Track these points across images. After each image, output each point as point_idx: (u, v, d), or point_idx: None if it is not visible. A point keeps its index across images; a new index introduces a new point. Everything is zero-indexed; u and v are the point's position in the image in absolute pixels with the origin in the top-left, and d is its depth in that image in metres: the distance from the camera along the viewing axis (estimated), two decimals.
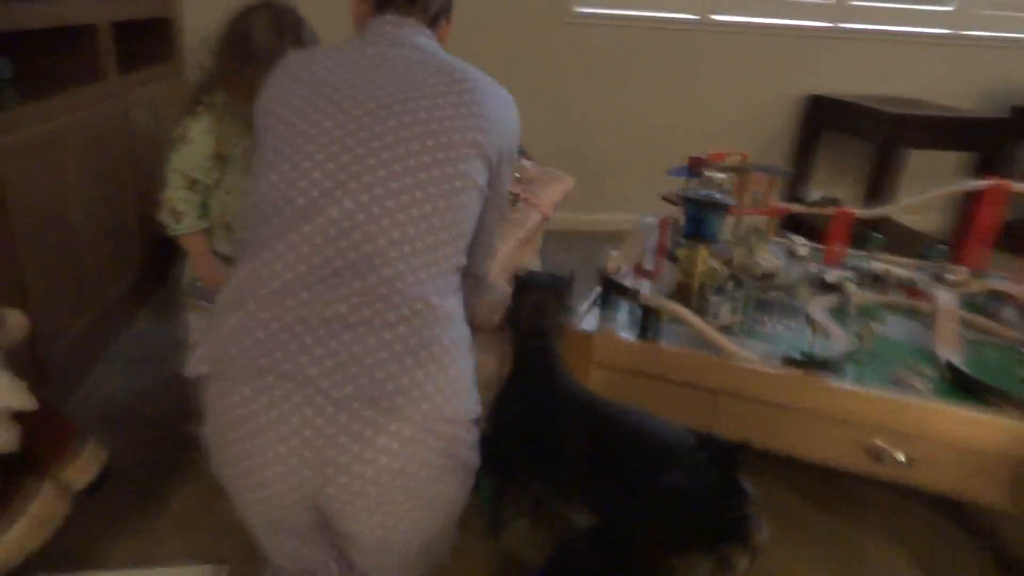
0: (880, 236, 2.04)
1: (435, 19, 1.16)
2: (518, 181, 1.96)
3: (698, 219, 1.60)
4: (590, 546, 1.07)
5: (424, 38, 1.12)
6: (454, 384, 0.97)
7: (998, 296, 1.67)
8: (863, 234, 2.04)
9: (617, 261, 1.64)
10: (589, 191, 3.26)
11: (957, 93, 3.59)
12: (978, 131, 3.05)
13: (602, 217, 3.42)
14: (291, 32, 1.49)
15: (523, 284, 1.30)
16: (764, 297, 1.75)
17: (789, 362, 1.38)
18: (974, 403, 1.31)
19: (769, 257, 1.92)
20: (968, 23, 3.55)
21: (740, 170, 2.00)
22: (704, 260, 1.62)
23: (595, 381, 1.50)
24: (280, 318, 0.95)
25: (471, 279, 1.27)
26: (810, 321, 1.53)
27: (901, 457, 1.33)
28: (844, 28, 3.43)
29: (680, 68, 3.33)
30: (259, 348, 0.94)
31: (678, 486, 1.00)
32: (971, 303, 1.71)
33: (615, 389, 1.50)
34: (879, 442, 1.34)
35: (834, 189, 3.63)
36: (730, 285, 1.56)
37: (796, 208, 1.97)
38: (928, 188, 2.04)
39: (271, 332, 0.95)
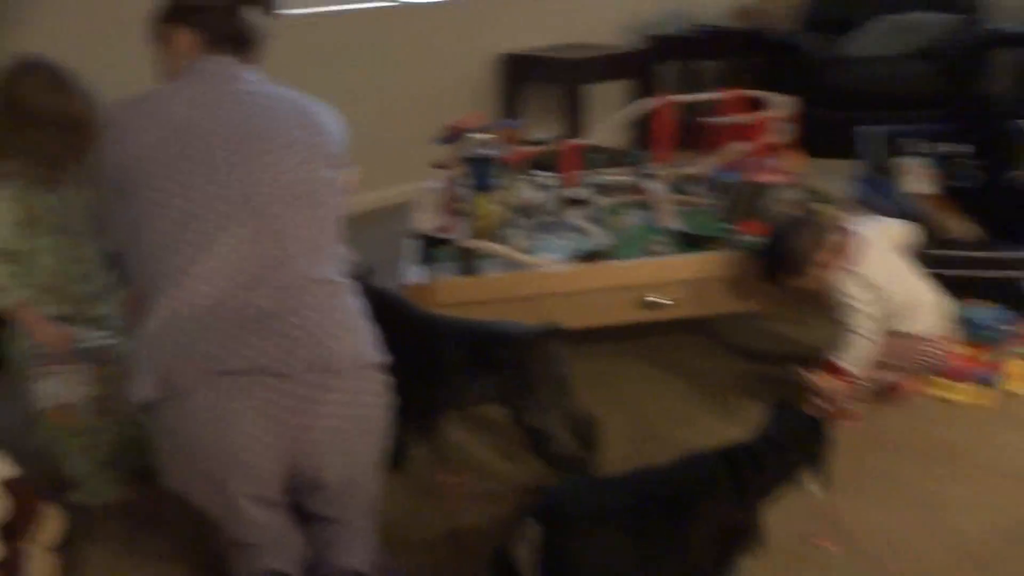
0: (600, 155, 2.62)
1: (257, 58, 1.35)
2: None
3: (482, 174, 1.98)
4: None
5: (250, 72, 1.32)
6: (366, 339, 1.25)
7: (688, 178, 2.31)
8: (587, 158, 2.61)
9: (430, 221, 1.96)
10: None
11: (605, 33, 4.41)
12: (631, 60, 3.85)
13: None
14: (72, 87, 1.53)
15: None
16: (535, 221, 2.21)
17: (576, 258, 1.84)
18: (699, 251, 1.90)
19: (525, 191, 2.38)
20: None
21: (488, 129, 2.43)
22: (488, 205, 2.02)
23: None
24: (219, 328, 1.14)
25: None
26: (578, 228, 2.02)
27: (669, 301, 1.87)
28: None
29: (390, 49, 3.66)
30: (207, 358, 1.12)
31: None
32: (675, 187, 2.35)
33: None
34: (652, 296, 1.87)
35: (542, 127, 4.28)
36: (514, 218, 1.98)
37: (538, 149, 2.45)
38: (610, 113, 2.67)
39: (214, 342, 1.13)
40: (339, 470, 1.23)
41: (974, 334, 1.93)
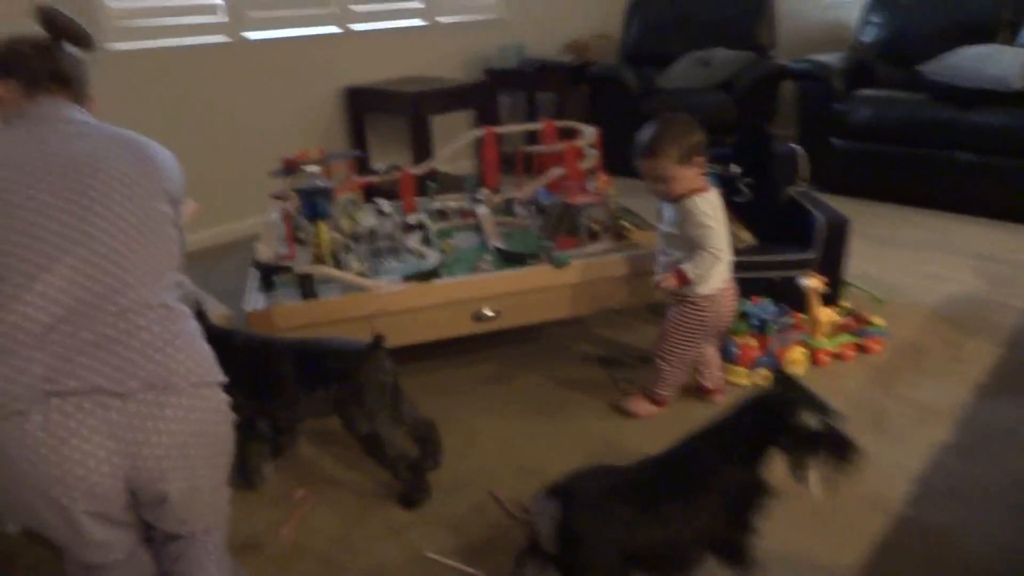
0: (433, 184, 2.80)
1: (82, 95, 1.41)
2: None
3: (312, 204, 2.10)
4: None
5: (83, 114, 1.37)
6: (204, 360, 1.34)
7: (513, 201, 2.55)
8: (423, 185, 2.79)
9: (269, 251, 2.05)
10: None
11: (448, 67, 4.66)
12: (470, 93, 4.09)
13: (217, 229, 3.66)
14: None
15: None
16: (375, 246, 2.35)
17: (407, 278, 2.00)
18: (518, 266, 2.12)
19: (368, 218, 2.52)
20: (440, 12, 4.60)
21: (323, 161, 2.55)
22: (326, 233, 2.14)
23: None
24: (52, 351, 1.18)
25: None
26: (410, 251, 2.18)
27: (490, 313, 2.07)
28: (353, 30, 4.16)
29: (231, 83, 3.68)
30: (40, 379, 1.16)
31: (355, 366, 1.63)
32: (501, 210, 2.57)
33: None
34: (479, 309, 2.06)
35: (389, 157, 4.44)
36: (351, 244, 2.11)
37: (374, 179, 2.60)
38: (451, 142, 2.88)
39: (47, 364, 1.17)
40: (180, 485, 1.29)
41: (755, 326, 2.28)
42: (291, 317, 1.91)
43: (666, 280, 1.89)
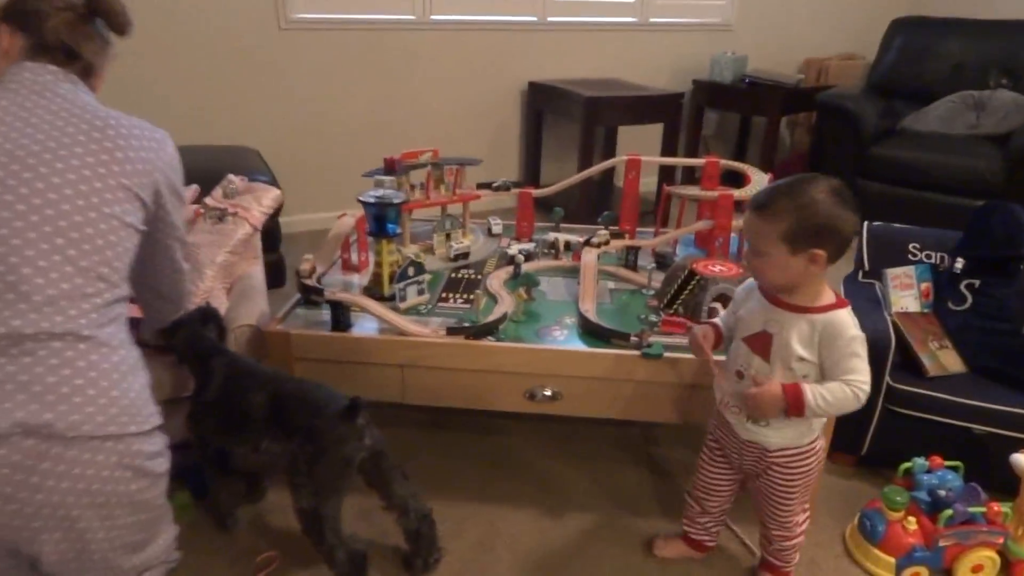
0: (559, 209, 2.36)
1: (87, 71, 1.20)
2: (227, 196, 2.02)
3: (378, 217, 1.78)
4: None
5: (69, 85, 1.15)
6: (119, 403, 1.07)
7: (633, 251, 2.03)
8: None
9: (311, 263, 1.78)
10: (324, 192, 3.40)
11: (655, 73, 4.13)
12: (659, 105, 3.54)
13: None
14: None
15: (175, 324, 1.43)
16: (455, 275, 1.98)
17: (453, 331, 1.61)
18: (597, 343, 1.63)
19: (463, 239, 2.16)
20: (656, 11, 4.08)
21: (434, 164, 2.23)
22: (390, 252, 1.81)
23: (299, 372, 1.65)
24: None
25: (168, 303, 1.38)
26: (475, 294, 1.78)
27: (548, 392, 1.61)
28: (551, 21, 3.80)
29: (403, 67, 3.51)
30: None
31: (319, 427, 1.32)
32: (620, 258, 2.07)
33: (318, 377, 1.66)
34: (534, 385, 1.62)
35: (561, 166, 4.05)
36: (411, 271, 1.76)
37: (481, 193, 2.23)
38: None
39: None
40: (57, 548, 1.06)
41: (924, 503, 1.57)
42: (309, 347, 1.62)
43: (763, 398, 1.26)
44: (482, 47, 3.65)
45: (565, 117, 3.69)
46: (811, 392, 1.23)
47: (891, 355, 1.72)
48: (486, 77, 3.72)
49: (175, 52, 3.05)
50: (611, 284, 1.96)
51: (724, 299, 1.71)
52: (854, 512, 1.69)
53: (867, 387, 1.23)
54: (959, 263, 1.90)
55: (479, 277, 1.97)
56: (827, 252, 1.19)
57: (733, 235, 2.01)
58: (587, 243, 2.02)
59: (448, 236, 2.15)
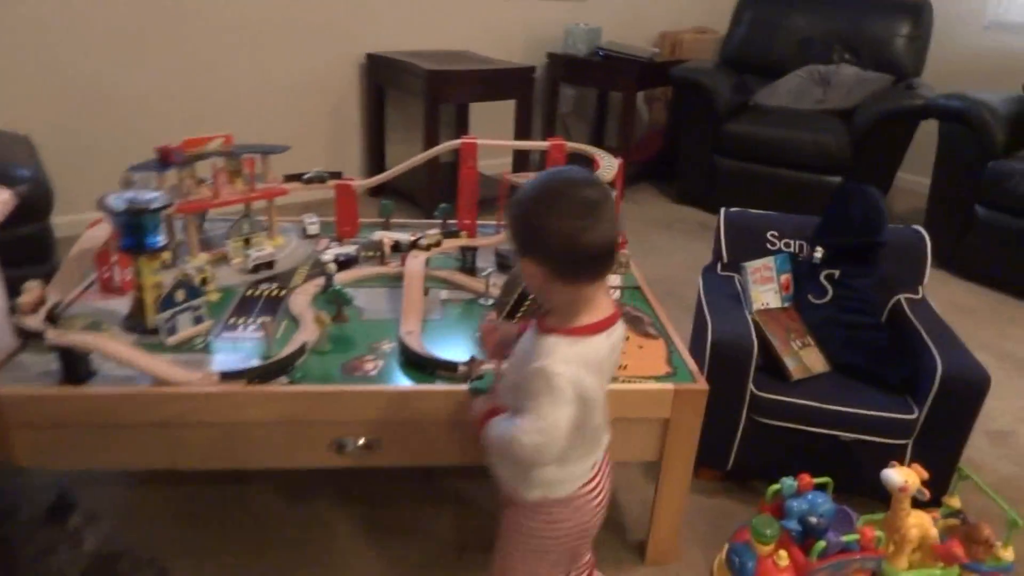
0: (389, 202, 2.02)
1: None
2: None
3: (131, 228, 1.37)
4: None
5: None
6: None
7: (469, 252, 1.74)
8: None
9: (36, 292, 1.34)
10: (111, 185, 2.86)
11: (506, 46, 3.84)
12: (509, 80, 3.26)
13: None
14: None
15: None
16: (252, 293, 1.61)
17: (229, 376, 1.25)
18: (422, 377, 1.32)
19: (266, 244, 1.78)
20: None
21: (228, 154, 1.82)
22: (152, 271, 1.41)
23: (22, 448, 1.23)
24: None
25: None
26: (264, 321, 1.42)
27: (362, 442, 1.29)
28: None
29: (211, 35, 3.01)
30: None
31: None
32: (455, 261, 1.77)
33: (50, 451, 1.25)
34: (343, 435, 1.29)
35: (410, 148, 3.69)
36: (179, 295, 1.37)
37: (289, 187, 1.85)
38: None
39: None
40: None
41: (795, 532, 1.40)
42: (31, 410, 1.21)
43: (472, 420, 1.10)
44: (309, 12, 3.20)
45: (409, 94, 3.33)
46: (495, 424, 1.02)
47: (754, 361, 1.54)
48: (315, 47, 3.28)
49: None
50: (444, 293, 1.65)
51: None
52: (722, 538, 1.50)
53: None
54: (818, 252, 1.75)
55: (284, 293, 1.61)
56: (541, 264, 0.93)
57: None
58: (414, 245, 1.70)
59: (247, 241, 1.76)
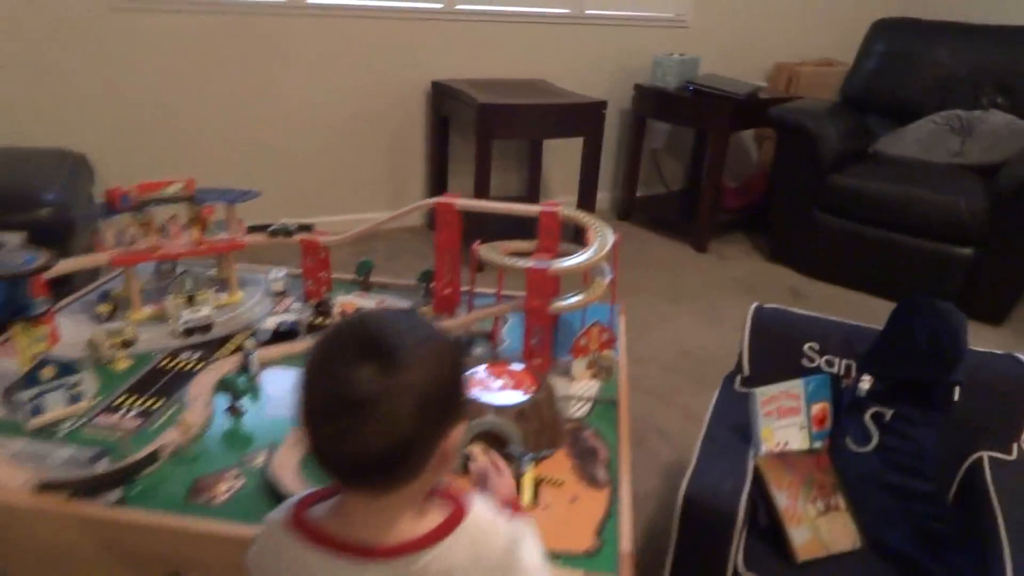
0: (368, 260, 1.79)
1: None
2: None
3: (6, 294, 1.23)
4: None
5: None
6: None
7: None
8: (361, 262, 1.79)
9: None
10: None
11: (583, 74, 3.52)
12: (575, 115, 2.93)
13: None
14: None
15: None
16: (163, 365, 1.43)
17: (48, 487, 1.05)
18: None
19: (214, 302, 1.60)
20: (590, 3, 3.47)
21: (191, 199, 1.67)
22: (33, 340, 1.26)
23: None
24: None
25: None
26: (120, 437, 1.22)
27: None
28: (460, 9, 3.21)
29: (272, 62, 2.93)
30: None
31: None
32: None
33: None
34: (177, 571, 1.06)
35: (471, 180, 3.46)
36: (45, 373, 1.20)
37: (249, 240, 1.66)
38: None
39: None
40: None
41: None
42: None
43: None
44: (372, 37, 3.07)
45: (466, 126, 3.11)
46: None
47: (739, 530, 1.15)
48: (377, 74, 3.13)
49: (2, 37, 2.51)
50: None
51: (492, 439, 1.14)
52: None
53: None
54: (865, 382, 1.31)
55: (203, 366, 1.41)
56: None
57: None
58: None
59: (191, 299, 1.59)
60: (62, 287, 1.64)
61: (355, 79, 3.09)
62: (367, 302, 1.64)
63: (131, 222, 1.58)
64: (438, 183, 3.35)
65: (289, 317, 1.55)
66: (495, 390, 1.20)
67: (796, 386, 1.33)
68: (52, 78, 2.63)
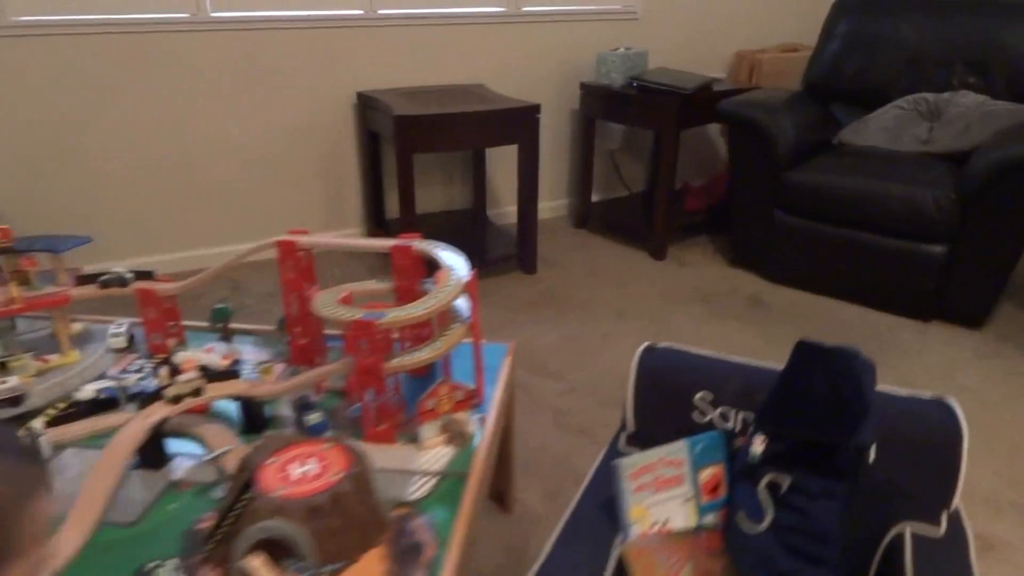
0: (224, 307, 1.58)
1: None
2: None
3: None
4: None
5: None
6: None
7: (252, 403, 1.24)
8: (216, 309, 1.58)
9: None
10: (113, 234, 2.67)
11: (524, 75, 3.30)
12: (505, 122, 2.70)
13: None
14: None
15: None
16: None
17: None
18: None
19: (22, 373, 1.40)
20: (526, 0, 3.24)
21: (9, 250, 1.46)
22: None
23: None
24: None
25: None
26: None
27: None
28: (383, 14, 2.99)
29: (177, 82, 2.74)
30: None
31: None
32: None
33: None
34: None
35: (422, 196, 3.25)
36: None
37: (76, 293, 1.45)
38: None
39: None
40: None
41: None
42: None
43: None
44: (288, 49, 2.86)
45: (388, 140, 2.89)
46: None
47: None
48: (299, 89, 2.92)
49: None
50: (179, 471, 1.17)
51: (278, 548, 0.92)
52: None
53: None
54: (759, 443, 1.07)
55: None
56: None
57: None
58: (150, 398, 1.22)
59: (3, 366, 1.39)
60: None
61: (275, 95, 2.89)
62: (213, 357, 1.42)
63: None
64: (374, 201, 3.14)
65: (106, 384, 1.34)
66: (293, 480, 0.98)
67: (678, 450, 1.10)
68: None
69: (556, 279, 2.94)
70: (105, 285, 1.49)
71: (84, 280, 1.50)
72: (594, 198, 3.59)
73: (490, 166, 3.36)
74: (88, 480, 1.08)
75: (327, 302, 1.22)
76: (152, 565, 0.97)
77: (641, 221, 3.32)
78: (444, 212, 3.35)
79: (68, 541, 0.99)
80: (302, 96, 2.93)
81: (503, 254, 2.91)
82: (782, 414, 1.06)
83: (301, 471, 1.00)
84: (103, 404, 1.32)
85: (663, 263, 3.13)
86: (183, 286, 1.49)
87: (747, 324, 2.56)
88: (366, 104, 2.91)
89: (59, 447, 1.21)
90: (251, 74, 2.82)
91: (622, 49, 3.15)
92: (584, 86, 3.25)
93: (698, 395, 1.19)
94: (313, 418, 1.22)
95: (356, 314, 1.15)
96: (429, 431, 1.20)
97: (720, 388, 1.18)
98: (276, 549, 0.93)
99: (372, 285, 1.37)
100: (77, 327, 1.61)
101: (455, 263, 1.27)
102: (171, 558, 0.98)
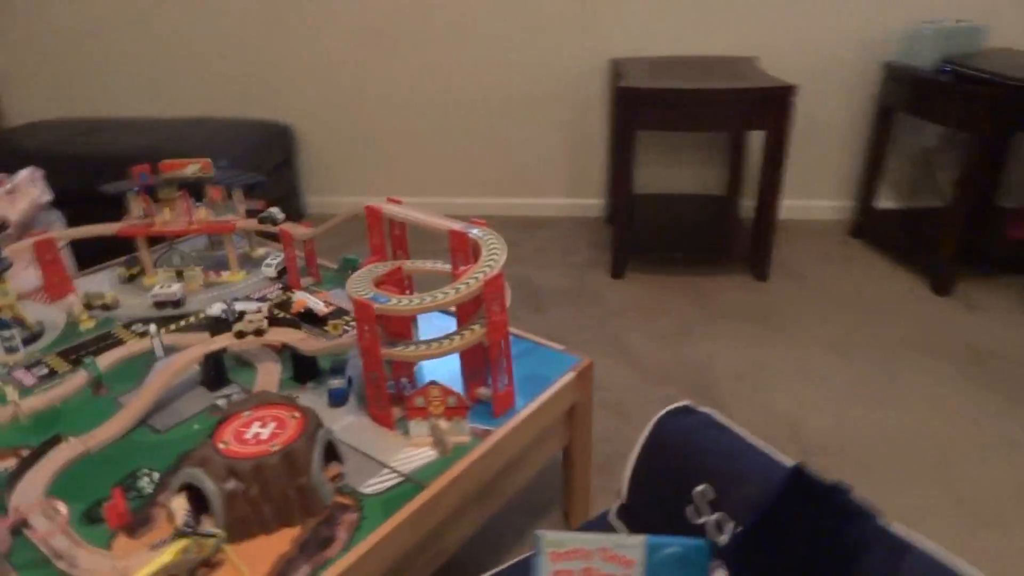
0: (353, 257, 1.69)
1: None
2: None
3: None
4: None
5: None
6: None
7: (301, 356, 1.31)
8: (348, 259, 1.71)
9: None
10: (354, 175, 3.11)
11: (812, 50, 2.79)
12: (751, 104, 2.33)
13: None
14: None
15: None
16: (110, 331, 1.54)
17: None
18: None
19: (182, 282, 1.67)
20: None
21: (211, 179, 1.76)
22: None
23: None
24: None
25: None
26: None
27: None
28: None
29: (453, 36, 2.93)
30: None
31: None
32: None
33: None
34: None
35: (660, 169, 3.05)
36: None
37: (234, 223, 1.67)
38: None
39: None
40: None
41: None
42: None
43: None
44: (546, 8, 2.85)
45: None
46: None
47: None
48: (548, 51, 2.92)
49: (219, 14, 3.00)
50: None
51: (200, 498, 0.99)
52: None
53: None
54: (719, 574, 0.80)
55: (149, 332, 1.50)
56: None
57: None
58: (222, 328, 1.36)
59: (180, 274, 1.69)
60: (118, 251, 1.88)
61: (531, 53, 2.92)
62: (317, 302, 1.54)
63: (140, 199, 1.72)
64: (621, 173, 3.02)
65: (222, 306, 1.54)
66: (243, 438, 1.03)
67: (632, 547, 0.88)
68: (265, 57, 3.02)
69: (788, 293, 2.52)
70: (261, 221, 1.71)
71: (252, 214, 1.74)
72: (891, 205, 2.96)
73: (754, 152, 2.97)
74: (143, 387, 1.27)
75: (363, 277, 1.23)
76: (142, 472, 1.12)
77: (928, 241, 2.64)
78: (690, 195, 3.07)
79: (107, 430, 1.18)
80: (555, 58, 2.91)
81: (731, 253, 2.58)
82: (752, 552, 0.78)
83: (255, 432, 1.05)
84: (223, 323, 1.53)
85: (943, 300, 2.46)
86: (308, 234, 1.63)
87: (1017, 406, 1.90)
88: (617, 72, 2.78)
89: (169, 350, 1.44)
90: (508, 29, 2.88)
91: (947, 22, 2.47)
92: (888, 67, 2.64)
93: (699, 487, 0.93)
94: (335, 383, 1.25)
95: (367, 294, 1.14)
96: (419, 428, 1.15)
97: (730, 486, 0.91)
98: (196, 502, 0.99)
99: (438, 266, 1.34)
100: (261, 251, 1.88)
101: (492, 261, 1.17)
102: (159, 471, 1.12)
